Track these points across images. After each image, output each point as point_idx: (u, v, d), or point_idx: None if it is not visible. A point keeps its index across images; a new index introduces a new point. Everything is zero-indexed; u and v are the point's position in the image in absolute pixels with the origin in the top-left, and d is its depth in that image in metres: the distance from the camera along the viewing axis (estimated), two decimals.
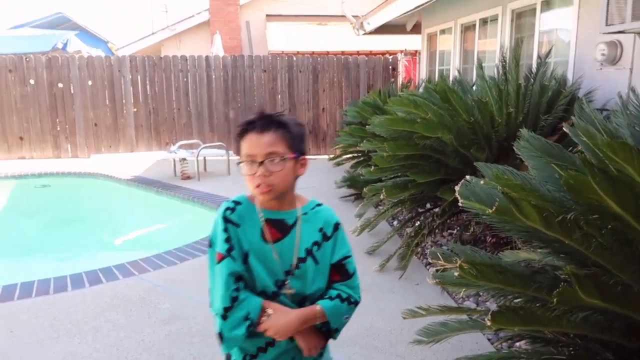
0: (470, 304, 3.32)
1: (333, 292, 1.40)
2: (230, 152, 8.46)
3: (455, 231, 4.83)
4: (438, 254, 2.04)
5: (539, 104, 3.82)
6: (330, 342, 2.94)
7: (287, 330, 1.32)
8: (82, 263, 4.95)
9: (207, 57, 10.12)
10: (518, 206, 1.45)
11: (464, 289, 1.97)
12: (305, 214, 1.40)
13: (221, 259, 1.31)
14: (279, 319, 1.31)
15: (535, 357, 1.56)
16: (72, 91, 9.69)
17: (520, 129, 2.34)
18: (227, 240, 1.32)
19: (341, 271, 1.41)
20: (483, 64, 4.90)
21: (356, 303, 1.42)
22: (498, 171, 1.71)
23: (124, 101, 9.91)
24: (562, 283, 1.25)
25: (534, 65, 4.40)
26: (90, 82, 9.75)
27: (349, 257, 1.43)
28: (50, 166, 8.86)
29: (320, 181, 7.30)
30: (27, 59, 9.49)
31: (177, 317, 3.20)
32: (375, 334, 2.94)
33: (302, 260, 1.37)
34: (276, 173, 1.29)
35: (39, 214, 7.04)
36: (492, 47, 6.42)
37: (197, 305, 3.36)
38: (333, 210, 1.46)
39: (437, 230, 4.27)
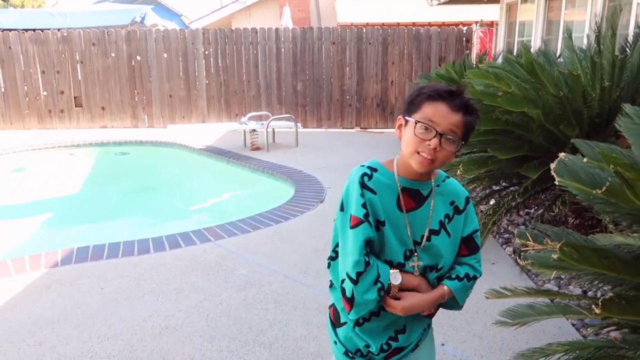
0: (551, 286, 3.17)
1: (461, 271, 1.39)
2: (299, 125, 8.51)
3: (532, 211, 4.62)
4: (527, 234, 1.95)
5: (638, 78, 3.51)
6: None
7: (414, 312, 1.36)
8: (160, 228, 5.22)
9: (276, 29, 10.15)
10: (632, 187, 1.34)
11: (555, 272, 1.86)
12: (437, 186, 1.38)
13: (357, 223, 1.30)
14: (411, 304, 1.34)
15: (639, 348, 1.46)
16: (148, 64, 10.09)
17: (616, 105, 2.16)
18: (364, 205, 1.31)
19: (471, 245, 1.41)
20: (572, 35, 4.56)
21: (479, 277, 1.43)
22: (604, 149, 1.58)
23: (196, 73, 10.18)
24: None
25: (631, 36, 4.03)
26: (165, 55, 10.09)
27: (477, 230, 1.42)
28: (129, 135, 9.34)
29: (387, 155, 7.15)
30: (109, 33, 9.94)
31: (251, 283, 3.30)
32: (450, 313, 2.87)
33: (434, 232, 1.36)
34: (444, 151, 1.28)
35: (119, 179, 7.48)
36: (580, 17, 5.96)
37: (270, 273, 3.45)
38: (459, 183, 1.45)
39: (514, 210, 4.09)
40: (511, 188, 4.20)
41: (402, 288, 1.34)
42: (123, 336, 2.67)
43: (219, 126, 9.33)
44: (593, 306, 1.24)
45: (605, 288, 1.66)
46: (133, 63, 10.08)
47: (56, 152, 8.48)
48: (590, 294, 2.98)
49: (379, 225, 1.33)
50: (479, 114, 1.34)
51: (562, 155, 1.93)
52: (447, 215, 1.38)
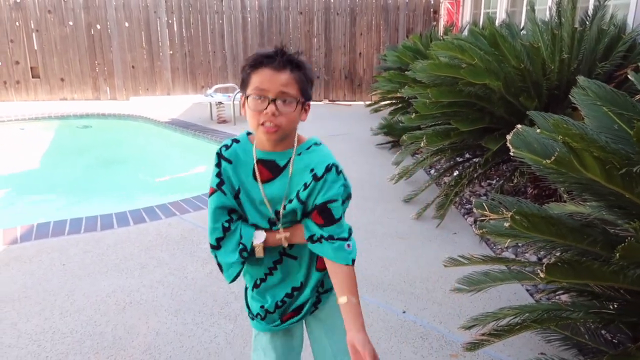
0: (508, 254, 3.29)
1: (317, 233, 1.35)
2: None
3: (494, 182, 4.74)
4: (484, 204, 2.00)
5: (595, 50, 3.60)
6: (367, 287, 2.99)
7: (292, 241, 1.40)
8: (124, 202, 5.12)
9: None
10: (579, 157, 1.38)
11: (509, 240, 1.93)
12: (299, 154, 1.34)
13: (212, 192, 1.37)
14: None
15: (583, 310, 1.54)
16: (109, 33, 9.71)
17: (574, 77, 2.21)
18: (218, 175, 1.37)
19: (324, 214, 1.32)
20: (535, 7, 4.61)
21: (346, 240, 1.35)
22: (556, 120, 1.63)
23: (160, 43, 9.88)
24: (628, 238, 1.20)
25: (591, 9, 4.11)
26: (126, 24, 9.72)
27: (334, 201, 1.32)
28: (90, 107, 9.04)
29: (354, 128, 7.21)
30: (65, 0, 9.48)
31: None
32: (411, 281, 2.96)
33: (290, 201, 1.35)
34: (286, 114, 1.25)
35: (81, 154, 7.26)
36: None
37: None
38: (330, 151, 1.38)
39: (476, 180, 4.19)
40: (474, 160, 4.29)
41: (270, 247, 1.39)
42: (86, 312, 2.65)
43: (184, 98, 9.12)
44: (538, 270, 1.30)
45: (557, 255, 1.74)
46: (92, 32, 9.68)
47: (12, 126, 8.15)
48: (544, 260, 3.10)
49: (237, 194, 1.38)
50: (307, 66, 1.30)
51: (518, 126, 1.97)
52: (304, 184, 1.33)
